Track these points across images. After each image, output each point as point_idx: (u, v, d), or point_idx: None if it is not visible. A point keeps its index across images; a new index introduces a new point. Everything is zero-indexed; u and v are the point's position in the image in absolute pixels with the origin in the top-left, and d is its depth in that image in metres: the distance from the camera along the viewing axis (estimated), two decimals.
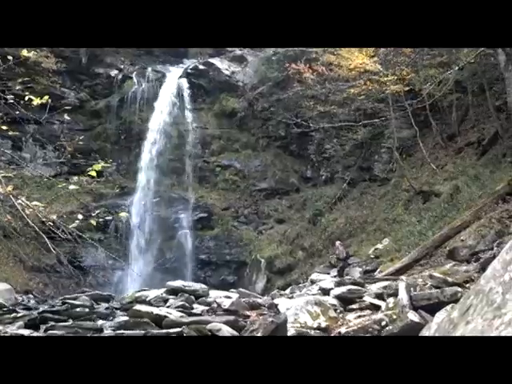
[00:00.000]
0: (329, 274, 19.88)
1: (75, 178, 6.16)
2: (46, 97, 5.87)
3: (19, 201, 5.46)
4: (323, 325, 10.74)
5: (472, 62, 19.51)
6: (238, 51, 32.12)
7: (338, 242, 19.64)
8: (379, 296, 12.23)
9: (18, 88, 6.29)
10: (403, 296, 10.84)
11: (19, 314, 14.36)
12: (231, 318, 11.97)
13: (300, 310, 11.19)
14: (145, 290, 17.93)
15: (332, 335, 10.26)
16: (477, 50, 17.29)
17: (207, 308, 14.29)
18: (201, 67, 31.25)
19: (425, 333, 3.20)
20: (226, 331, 11.02)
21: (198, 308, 14.47)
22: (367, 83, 22.96)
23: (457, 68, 17.79)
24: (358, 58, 22.71)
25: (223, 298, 15.14)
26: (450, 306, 8.87)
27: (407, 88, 22.48)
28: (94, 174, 5.82)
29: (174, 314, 13.05)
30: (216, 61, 31.38)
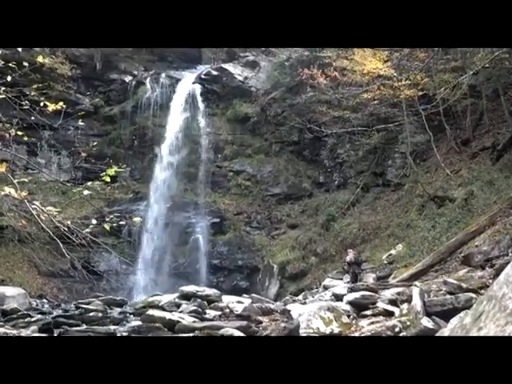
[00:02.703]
0: (342, 279, 19.81)
1: (89, 184, 6.20)
2: (61, 103, 5.94)
3: (34, 206, 5.52)
4: (336, 331, 10.69)
5: (487, 67, 19.35)
6: (250, 56, 32.20)
7: (349, 250, 19.73)
8: (393, 302, 12.16)
9: (33, 94, 6.35)
10: (417, 302, 10.76)
11: (33, 319, 14.47)
12: (243, 323, 11.97)
13: (313, 316, 11.16)
14: (158, 295, 18.01)
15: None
16: (492, 55, 17.16)
17: (220, 313, 14.30)
18: (214, 73, 31.35)
19: None
20: None
21: (210, 313, 14.50)
22: (381, 88, 22.87)
23: (471, 73, 17.65)
24: (371, 63, 22.64)
25: (236, 303, 15.15)
26: (464, 312, 8.79)
27: (421, 93, 22.35)
28: (107, 179, 5.86)
29: (187, 319, 13.09)
30: (229, 66, 31.48)
